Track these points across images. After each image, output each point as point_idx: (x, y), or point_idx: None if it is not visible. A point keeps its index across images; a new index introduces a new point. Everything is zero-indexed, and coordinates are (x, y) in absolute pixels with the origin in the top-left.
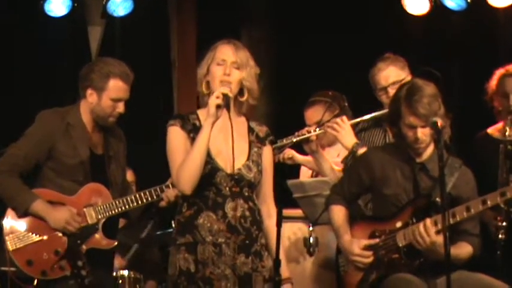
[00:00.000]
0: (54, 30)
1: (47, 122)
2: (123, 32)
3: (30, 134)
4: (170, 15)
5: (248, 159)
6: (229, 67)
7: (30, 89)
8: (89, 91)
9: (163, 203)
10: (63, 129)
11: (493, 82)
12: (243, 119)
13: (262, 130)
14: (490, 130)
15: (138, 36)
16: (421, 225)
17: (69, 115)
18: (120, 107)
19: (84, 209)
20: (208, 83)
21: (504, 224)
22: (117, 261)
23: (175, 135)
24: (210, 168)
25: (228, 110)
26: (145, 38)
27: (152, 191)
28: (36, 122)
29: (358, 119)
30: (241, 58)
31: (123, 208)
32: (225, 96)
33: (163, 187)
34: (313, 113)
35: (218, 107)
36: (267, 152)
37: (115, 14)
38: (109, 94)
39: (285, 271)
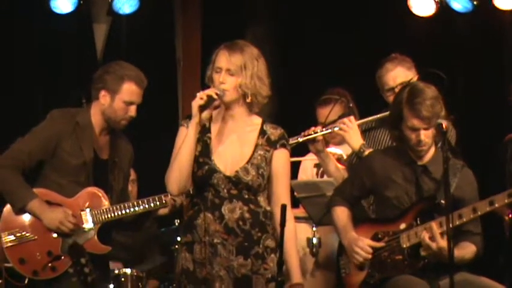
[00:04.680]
0: (60, 27)
1: (56, 121)
2: (128, 30)
3: (38, 131)
4: (175, 14)
5: (248, 162)
6: (223, 75)
7: (34, 86)
8: (102, 92)
9: (165, 210)
10: (70, 129)
11: None
12: (253, 121)
13: (275, 133)
14: None
15: (144, 34)
16: (427, 233)
17: (79, 115)
18: (132, 111)
19: (81, 212)
20: None
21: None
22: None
23: (181, 135)
24: (207, 169)
25: (213, 109)
26: (151, 36)
27: (151, 199)
28: (46, 120)
29: (365, 120)
30: (235, 64)
31: (120, 213)
32: (209, 98)
33: (162, 197)
34: (327, 112)
35: (202, 107)
36: (278, 155)
37: (121, 12)
38: (122, 97)
39: (297, 276)
